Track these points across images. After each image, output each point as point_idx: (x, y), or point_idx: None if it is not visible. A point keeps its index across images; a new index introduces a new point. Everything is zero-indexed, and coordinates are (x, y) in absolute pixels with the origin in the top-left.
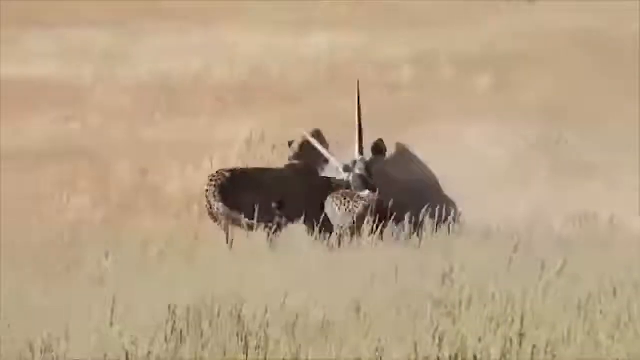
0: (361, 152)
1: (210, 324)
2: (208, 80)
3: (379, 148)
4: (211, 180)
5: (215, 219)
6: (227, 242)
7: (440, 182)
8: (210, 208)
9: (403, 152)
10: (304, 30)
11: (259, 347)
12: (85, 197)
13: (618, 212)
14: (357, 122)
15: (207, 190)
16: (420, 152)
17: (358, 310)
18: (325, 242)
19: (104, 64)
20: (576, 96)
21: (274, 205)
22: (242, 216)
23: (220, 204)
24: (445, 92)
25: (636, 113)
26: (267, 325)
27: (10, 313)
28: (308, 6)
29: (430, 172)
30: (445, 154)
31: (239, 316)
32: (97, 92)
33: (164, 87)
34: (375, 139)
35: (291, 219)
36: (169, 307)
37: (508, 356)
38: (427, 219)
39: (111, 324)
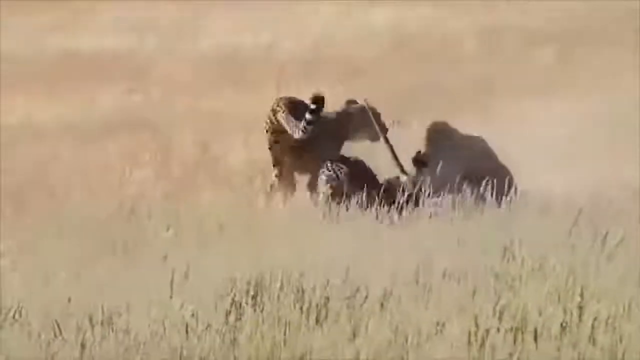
0: (403, 171)
1: (270, 297)
2: (273, 54)
3: (420, 160)
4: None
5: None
6: (284, 204)
7: (500, 156)
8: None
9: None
10: (370, 4)
11: (318, 319)
12: (147, 170)
13: None
14: (387, 145)
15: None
16: (483, 126)
17: (417, 282)
18: (382, 214)
19: (169, 36)
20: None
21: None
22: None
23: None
24: (509, 66)
25: None
26: (328, 299)
27: (72, 286)
28: None
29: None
30: (506, 128)
31: (300, 289)
32: (161, 64)
33: (228, 60)
34: (438, 114)
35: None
36: (230, 279)
37: (568, 329)
38: (487, 192)
39: (171, 296)
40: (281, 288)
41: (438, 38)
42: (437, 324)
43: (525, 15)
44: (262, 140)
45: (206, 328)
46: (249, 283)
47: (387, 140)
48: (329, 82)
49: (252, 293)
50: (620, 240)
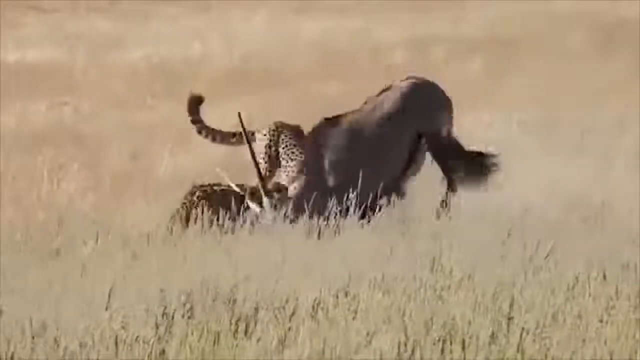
0: (266, 193)
1: (202, 308)
2: (203, 65)
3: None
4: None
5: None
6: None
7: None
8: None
9: None
10: (300, 15)
11: (247, 331)
12: (76, 182)
13: (608, 196)
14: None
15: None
16: None
17: (347, 294)
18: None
19: (98, 48)
20: (570, 79)
21: None
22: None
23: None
24: (437, 76)
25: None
26: (257, 309)
27: (2, 298)
28: None
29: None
30: None
31: (230, 300)
32: (90, 76)
33: (158, 71)
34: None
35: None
36: (160, 291)
37: (496, 339)
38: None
39: (106, 308)
40: (213, 300)
41: (367, 49)
42: (367, 334)
43: (454, 26)
44: (190, 151)
45: (136, 339)
46: (179, 294)
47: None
48: (257, 93)
49: (182, 304)
50: (550, 251)
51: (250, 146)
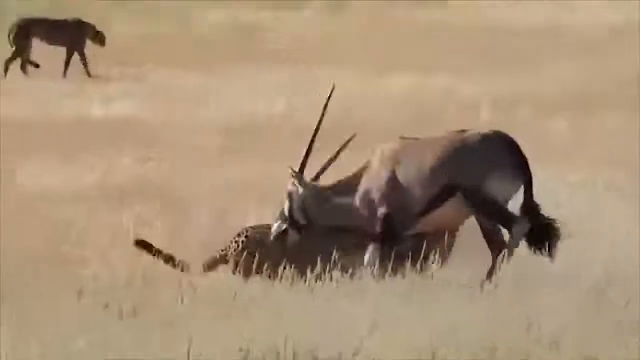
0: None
1: None
2: (289, 121)
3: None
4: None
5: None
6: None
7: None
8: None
9: None
10: (385, 74)
11: None
12: (161, 238)
13: None
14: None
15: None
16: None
17: (434, 356)
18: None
19: (183, 103)
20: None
21: None
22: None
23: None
24: (522, 134)
25: None
26: None
27: (89, 352)
28: (392, 48)
29: None
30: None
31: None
32: (174, 132)
33: (244, 128)
34: None
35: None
36: (240, 350)
37: None
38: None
39: None
40: (294, 358)
41: (453, 107)
42: None
43: (539, 84)
44: (275, 207)
45: None
46: (263, 353)
47: None
48: (344, 151)
49: None
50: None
51: None
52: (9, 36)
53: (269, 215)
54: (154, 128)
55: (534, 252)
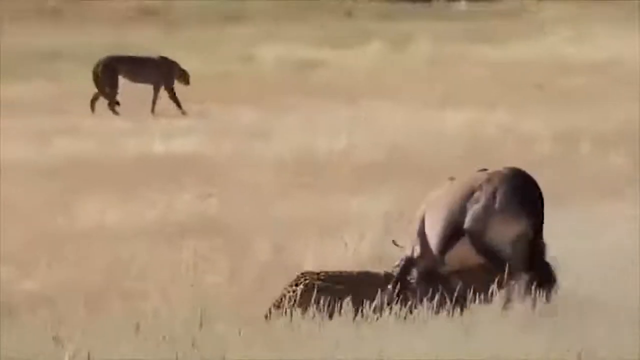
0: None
1: None
2: (348, 157)
3: None
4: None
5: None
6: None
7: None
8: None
9: None
10: (444, 108)
11: None
12: (221, 274)
13: None
14: None
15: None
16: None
17: None
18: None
19: (244, 139)
20: None
21: None
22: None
23: None
24: (583, 169)
25: None
26: None
27: None
28: (447, 83)
29: None
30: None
31: None
32: (236, 168)
33: (304, 163)
34: None
35: None
36: None
37: None
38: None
39: None
40: None
41: (513, 142)
42: None
43: (596, 119)
44: (335, 246)
45: None
46: None
47: None
48: (403, 185)
49: None
50: None
51: None
52: (93, 74)
53: (328, 251)
54: (215, 164)
55: (530, 293)
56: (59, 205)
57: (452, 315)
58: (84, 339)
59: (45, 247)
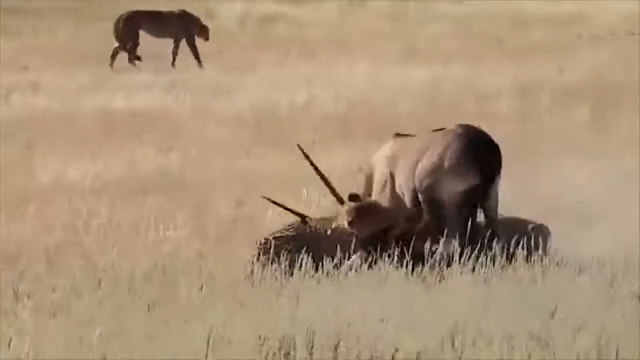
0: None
1: (304, 357)
2: (309, 112)
3: None
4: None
5: None
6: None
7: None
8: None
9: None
10: (404, 64)
11: None
12: (182, 229)
13: None
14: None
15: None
16: (518, 183)
17: (453, 343)
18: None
19: (205, 96)
20: None
21: None
22: None
23: None
24: (542, 123)
25: None
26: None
27: (107, 345)
28: (410, 39)
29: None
30: (541, 186)
31: (334, 348)
32: (197, 123)
33: (264, 119)
34: None
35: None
36: (260, 337)
37: None
38: (520, 251)
39: (206, 356)
40: (312, 347)
41: (472, 97)
42: None
43: (560, 74)
44: (296, 199)
45: None
46: (281, 342)
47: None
48: (362, 140)
49: (284, 352)
50: None
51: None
52: (115, 29)
53: (289, 205)
54: (176, 120)
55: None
56: (19, 162)
57: (412, 272)
58: (44, 295)
59: (5, 204)
